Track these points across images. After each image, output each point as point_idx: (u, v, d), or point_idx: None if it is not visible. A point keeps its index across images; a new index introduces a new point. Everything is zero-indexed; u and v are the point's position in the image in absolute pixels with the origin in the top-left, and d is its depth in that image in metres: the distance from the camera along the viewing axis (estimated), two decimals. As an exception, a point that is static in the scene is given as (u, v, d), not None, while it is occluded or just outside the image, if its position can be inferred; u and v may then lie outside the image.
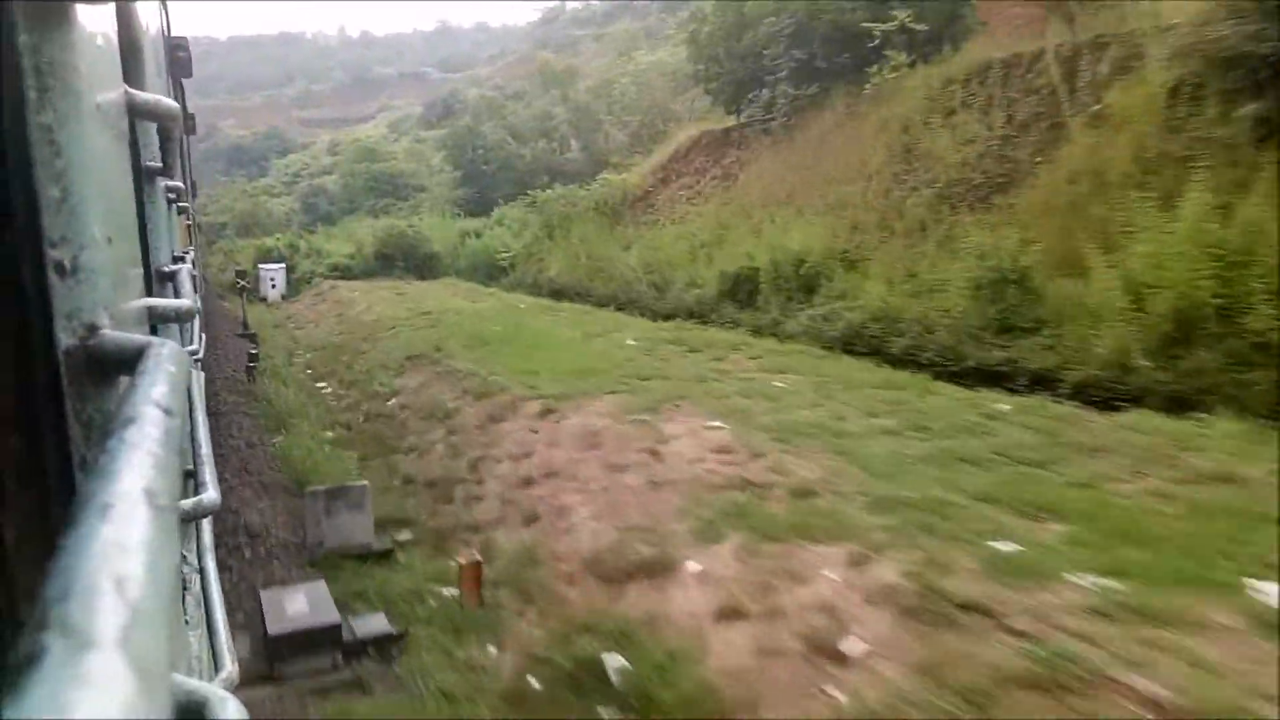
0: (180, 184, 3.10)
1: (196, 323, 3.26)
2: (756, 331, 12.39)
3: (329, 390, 12.26)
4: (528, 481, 6.82)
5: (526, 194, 27.16)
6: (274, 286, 25.54)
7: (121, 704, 0.26)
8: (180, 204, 3.42)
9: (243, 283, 16.71)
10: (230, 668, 1.49)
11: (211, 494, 1.42)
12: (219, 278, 31.54)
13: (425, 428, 9.07)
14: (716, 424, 6.93)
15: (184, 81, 4.91)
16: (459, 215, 36.14)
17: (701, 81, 22.75)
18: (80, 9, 0.64)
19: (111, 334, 0.63)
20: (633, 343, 11.16)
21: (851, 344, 12.08)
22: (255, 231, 43.49)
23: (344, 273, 26.26)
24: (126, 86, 1.05)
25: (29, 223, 0.56)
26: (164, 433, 0.47)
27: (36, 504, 0.58)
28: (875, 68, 16.43)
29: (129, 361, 0.61)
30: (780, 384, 8.22)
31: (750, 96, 21.34)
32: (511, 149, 40.18)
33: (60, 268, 0.58)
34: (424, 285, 23.54)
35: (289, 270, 26.76)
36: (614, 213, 23.69)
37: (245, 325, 16.43)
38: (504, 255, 25.78)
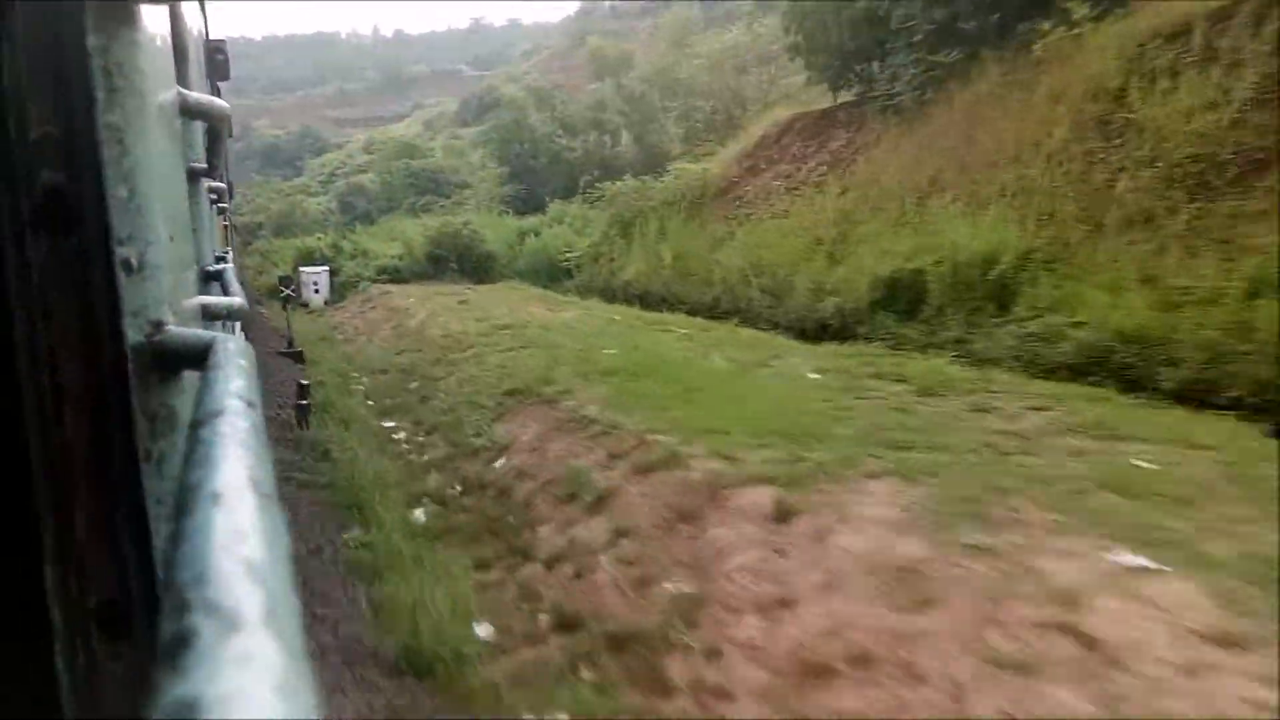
0: (222, 185, 3.09)
1: (238, 324, 2.82)
2: (978, 360, 9.21)
3: (402, 435, 9.23)
4: (817, 670, 3.74)
5: (595, 187, 24.06)
6: (317, 291, 22.61)
7: (277, 682, 0.27)
8: (220, 205, 3.33)
9: (287, 290, 13.77)
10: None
11: None
12: (255, 280, 28.81)
13: (566, 516, 6.01)
14: (1144, 563, 3.84)
15: (220, 83, 4.43)
16: (507, 212, 33.44)
17: (802, 54, 19.53)
18: (144, 10, 0.64)
19: (177, 330, 0.64)
20: (816, 376, 8.04)
21: (1087, 372, 8.91)
22: (292, 231, 41.44)
23: (393, 275, 23.29)
24: (179, 88, 1.06)
25: (97, 221, 0.57)
26: (252, 424, 0.47)
27: (103, 496, 0.58)
28: (1046, 25, 13.20)
29: (194, 357, 0.62)
30: (1147, 464, 5.08)
31: (860, 70, 18.17)
32: (562, 142, 37.17)
33: (127, 265, 0.58)
34: (485, 290, 20.50)
35: (332, 273, 23.87)
36: (694, 207, 20.60)
37: (290, 344, 13.47)
38: (569, 256, 22.73)
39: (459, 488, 7.26)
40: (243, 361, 0.58)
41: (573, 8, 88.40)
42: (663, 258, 18.69)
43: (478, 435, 8.19)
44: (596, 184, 24.12)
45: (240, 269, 19.97)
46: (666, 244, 18.86)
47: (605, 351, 10.18)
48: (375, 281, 23.03)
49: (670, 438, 6.38)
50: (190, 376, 0.64)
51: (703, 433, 6.35)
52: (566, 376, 8.85)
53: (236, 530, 0.35)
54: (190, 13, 2.09)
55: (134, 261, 0.59)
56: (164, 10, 0.83)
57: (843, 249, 14.60)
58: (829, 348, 9.94)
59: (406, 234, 26.88)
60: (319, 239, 27.39)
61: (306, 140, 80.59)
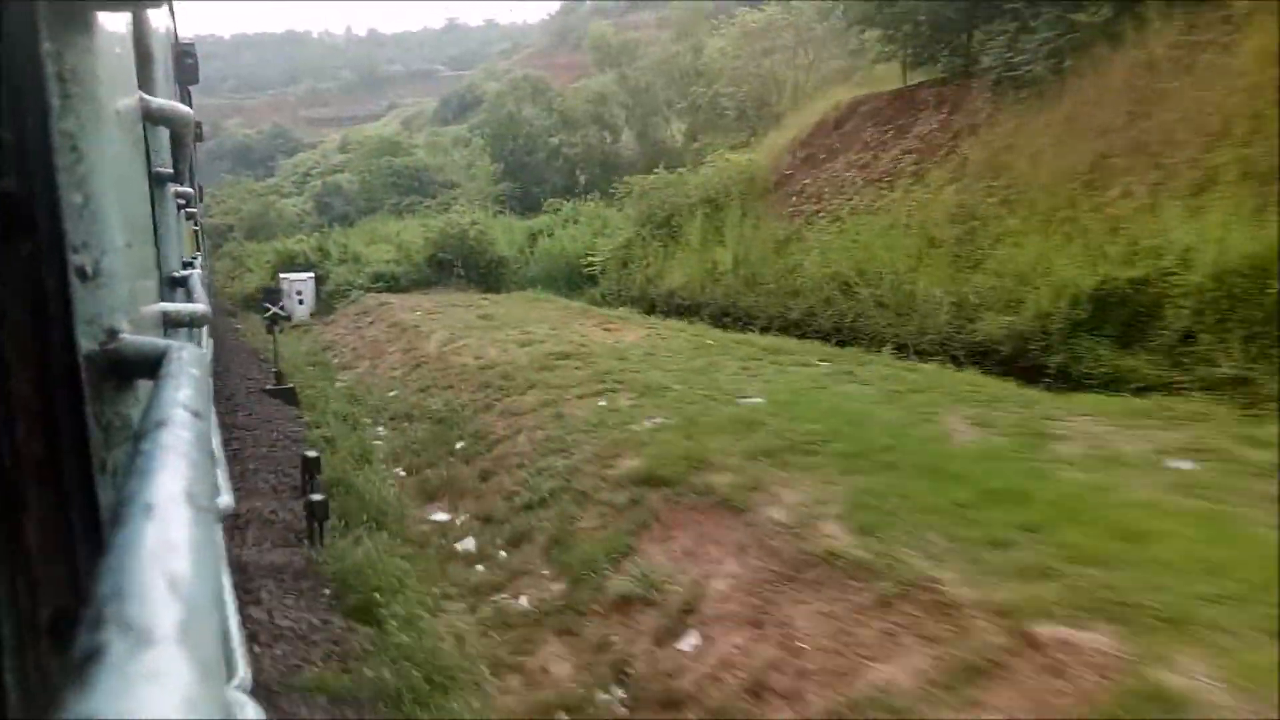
0: (190, 190, 2.92)
1: (204, 330, 2.84)
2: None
3: (470, 546, 5.77)
4: None
5: (624, 182, 20.56)
6: (301, 302, 18.88)
7: (185, 699, 0.26)
8: (189, 210, 3.21)
9: (273, 309, 10.20)
10: (244, 672, 1.36)
11: (224, 498, 1.40)
12: (227, 288, 25.14)
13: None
14: None
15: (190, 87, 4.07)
16: (502, 212, 30.10)
17: (875, 27, 16.32)
18: (101, 15, 0.62)
19: (131, 338, 0.62)
20: (1190, 465, 4.71)
21: None
22: (267, 233, 38.33)
23: (389, 283, 19.67)
24: (141, 93, 1.02)
25: (52, 228, 0.55)
26: (195, 435, 0.46)
27: (56, 506, 0.57)
28: (1243, -29, 10.13)
29: (149, 366, 0.60)
30: None
31: (951, 41, 15.02)
32: (560, 136, 33.68)
33: (81, 273, 0.57)
34: (503, 300, 17.01)
35: (318, 280, 20.17)
36: (741, 203, 17.35)
37: (279, 378, 9.93)
38: (594, 261, 19.27)
39: (621, 693, 3.86)
40: (194, 370, 0.56)
41: (553, 7, 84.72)
42: (718, 263, 15.37)
43: (611, 560, 4.80)
44: (624, 180, 20.67)
45: (209, 274, 16.65)
46: (725, 246, 15.53)
47: (747, 401, 6.84)
48: (369, 289, 19.42)
49: (1102, 634, 3.07)
50: (147, 386, 0.61)
51: (1163, 624, 3.05)
52: (730, 452, 5.48)
53: (166, 543, 0.33)
54: (157, 18, 1.93)
55: (89, 269, 0.57)
56: (125, 16, 0.80)
57: (971, 250, 11.41)
58: (1099, 399, 6.65)
59: (402, 236, 23.25)
60: (300, 241, 23.61)
61: (278, 140, 76.51)
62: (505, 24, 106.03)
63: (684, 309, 15.46)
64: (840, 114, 17.46)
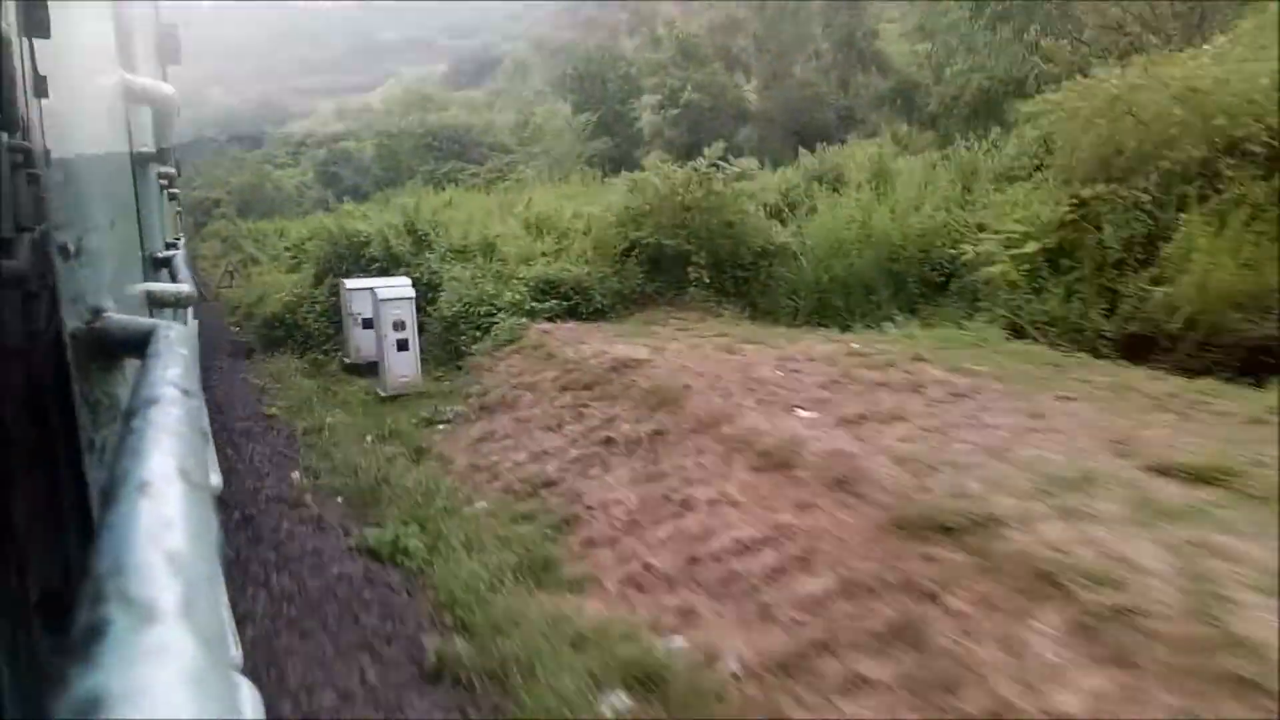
0: (173, 170, 2.73)
1: (189, 311, 2.51)
2: None
3: None
4: None
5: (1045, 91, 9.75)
6: (403, 346, 8.19)
7: (189, 673, 0.25)
8: (172, 190, 2.94)
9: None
10: (234, 651, 1.21)
11: (214, 477, 1.22)
12: (222, 291, 14.32)
13: None
14: None
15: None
16: (606, 177, 19.78)
17: None
18: None
19: (117, 317, 0.57)
20: None
21: None
22: (261, 208, 28.97)
23: (571, 301, 9.04)
24: (124, 73, 0.94)
25: (34, 206, 0.49)
26: (186, 413, 0.43)
27: (45, 485, 0.52)
28: None
29: (135, 344, 0.55)
30: None
31: None
32: (682, 75, 22.83)
33: (65, 251, 0.52)
34: (972, 366, 6.43)
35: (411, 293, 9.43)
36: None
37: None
38: (1011, 254, 8.73)
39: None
40: (182, 350, 0.52)
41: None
42: None
43: None
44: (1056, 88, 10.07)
45: (192, 261, 7.92)
46: None
47: None
48: (535, 316, 8.68)
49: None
50: (134, 365, 0.56)
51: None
52: None
53: (162, 520, 0.31)
54: None
55: (72, 247, 0.52)
56: None
57: None
58: None
59: (531, 209, 12.39)
60: (363, 217, 12.51)
61: (266, 110, 64.98)
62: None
63: None
64: None
